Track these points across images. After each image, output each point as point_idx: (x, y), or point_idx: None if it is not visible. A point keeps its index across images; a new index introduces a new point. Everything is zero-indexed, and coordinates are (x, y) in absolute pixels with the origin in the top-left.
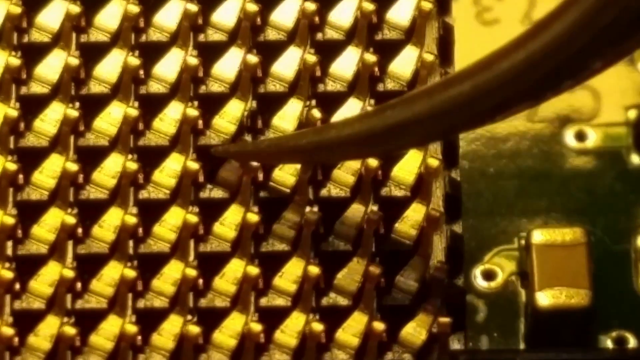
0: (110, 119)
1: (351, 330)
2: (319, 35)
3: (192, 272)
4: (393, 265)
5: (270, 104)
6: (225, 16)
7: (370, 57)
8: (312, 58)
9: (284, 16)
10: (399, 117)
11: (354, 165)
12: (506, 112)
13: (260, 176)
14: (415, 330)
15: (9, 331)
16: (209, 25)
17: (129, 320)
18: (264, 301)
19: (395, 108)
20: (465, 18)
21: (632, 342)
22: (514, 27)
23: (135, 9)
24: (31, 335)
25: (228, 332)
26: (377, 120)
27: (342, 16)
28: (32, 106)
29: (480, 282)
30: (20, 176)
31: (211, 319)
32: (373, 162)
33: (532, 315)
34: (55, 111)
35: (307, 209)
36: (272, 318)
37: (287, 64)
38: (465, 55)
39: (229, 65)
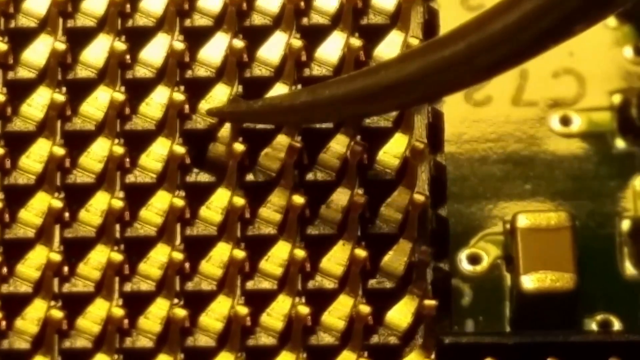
0: (97, 104)
1: (337, 314)
2: (305, 20)
3: (178, 256)
4: (379, 248)
5: (256, 88)
6: (211, 1)
7: (356, 42)
8: (297, 43)
9: (269, 1)
10: (394, 77)
11: (340, 149)
12: (497, 71)
13: (246, 160)
14: (400, 314)
15: None
16: (195, 10)
17: (116, 303)
18: (250, 284)
19: (389, 68)
20: (450, 3)
21: (616, 325)
22: None
23: None
24: (18, 318)
25: (214, 315)
26: (372, 80)
27: (327, 1)
28: (19, 91)
29: (465, 266)
30: (7, 160)
31: (198, 302)
32: (358, 146)
33: (517, 299)
34: (42, 96)
35: (293, 192)
36: (259, 301)
37: (273, 49)
38: None
39: (215, 50)
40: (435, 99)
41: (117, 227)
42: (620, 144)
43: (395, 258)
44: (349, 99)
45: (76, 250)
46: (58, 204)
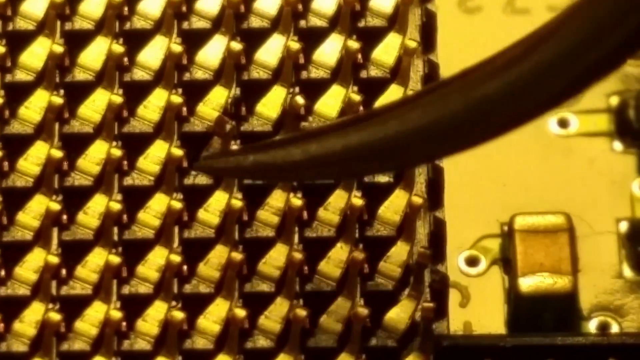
0: (95, 106)
1: (335, 316)
2: (302, 23)
3: (176, 258)
4: (376, 251)
5: (254, 90)
6: (209, 4)
7: (354, 44)
8: (295, 45)
9: (267, 4)
10: (395, 130)
11: None
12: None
13: None
14: (398, 316)
15: None
16: (192, 12)
17: (114, 306)
18: (248, 287)
19: (389, 119)
20: (447, 5)
21: (614, 327)
22: (496, 15)
23: None
24: (16, 321)
25: (212, 318)
26: (371, 133)
27: (325, 3)
28: (17, 94)
29: (463, 268)
30: (5, 163)
31: (195, 304)
32: None
33: (515, 301)
34: (40, 98)
35: (291, 195)
36: (256, 304)
37: (271, 51)
38: (447, 43)
39: (212, 52)
40: (440, 156)
41: (115, 229)
42: (618, 146)
43: (393, 260)
44: (347, 156)
45: (74, 252)
46: (56, 206)
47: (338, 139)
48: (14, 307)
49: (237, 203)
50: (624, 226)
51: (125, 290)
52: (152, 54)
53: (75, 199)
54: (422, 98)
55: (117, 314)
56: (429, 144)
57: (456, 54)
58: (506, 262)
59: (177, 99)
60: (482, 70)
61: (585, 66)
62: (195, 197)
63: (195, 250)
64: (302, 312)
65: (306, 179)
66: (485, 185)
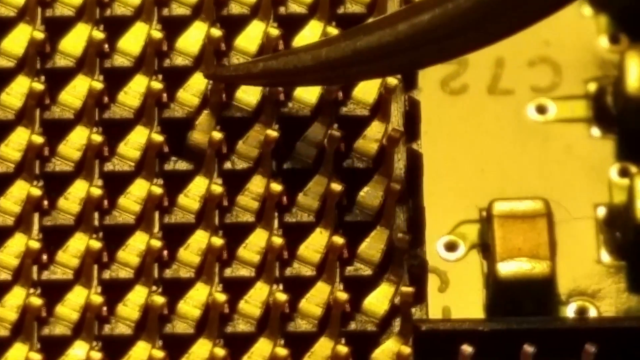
0: (76, 92)
1: (314, 300)
2: (282, 9)
3: (156, 244)
4: (356, 236)
5: None
6: None
7: (333, 31)
8: (275, 32)
9: None
10: (406, 31)
11: (317, 137)
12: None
13: (224, 148)
14: (378, 301)
15: None
16: None
17: (95, 291)
18: (228, 272)
19: (396, 21)
20: None
21: (592, 312)
22: None
23: None
24: None
25: (192, 303)
26: (385, 36)
27: None
28: None
29: (442, 253)
30: None
31: (176, 289)
32: (335, 135)
33: (493, 286)
34: (21, 85)
35: (271, 181)
36: (236, 288)
37: (251, 38)
38: None
39: (192, 39)
40: (448, 56)
41: (96, 215)
42: (596, 132)
43: (373, 245)
44: (357, 59)
45: (55, 238)
46: (37, 192)
47: (348, 43)
48: None
49: (217, 188)
50: (601, 211)
51: (106, 275)
52: (133, 41)
53: (56, 184)
54: (428, 2)
55: (97, 299)
56: (438, 43)
57: None
58: (485, 247)
59: (157, 85)
60: None
61: None
62: (176, 183)
63: (176, 236)
64: (281, 297)
65: (315, 84)
66: (463, 171)
